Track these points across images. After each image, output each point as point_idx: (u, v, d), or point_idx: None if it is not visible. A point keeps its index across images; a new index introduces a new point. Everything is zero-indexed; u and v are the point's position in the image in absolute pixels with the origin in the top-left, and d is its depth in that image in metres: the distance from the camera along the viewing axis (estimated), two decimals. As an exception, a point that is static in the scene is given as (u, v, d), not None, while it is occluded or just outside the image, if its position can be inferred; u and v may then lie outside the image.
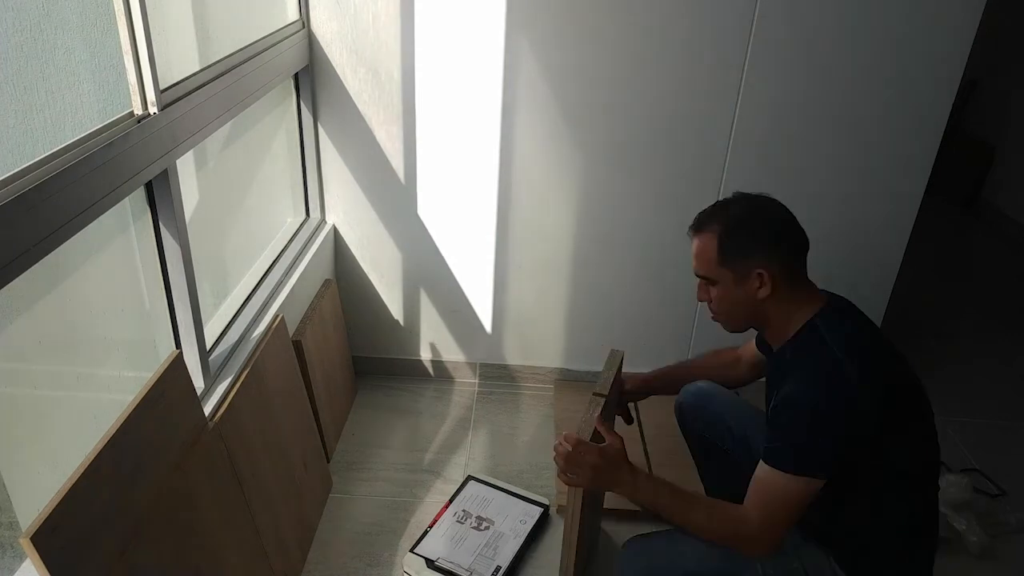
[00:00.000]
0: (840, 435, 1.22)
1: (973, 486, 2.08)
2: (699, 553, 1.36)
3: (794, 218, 1.33)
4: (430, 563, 1.82)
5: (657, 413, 2.39)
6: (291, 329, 1.97)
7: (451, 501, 2.01)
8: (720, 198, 2.22)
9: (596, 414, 1.42)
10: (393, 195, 2.29)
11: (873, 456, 1.27)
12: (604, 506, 1.96)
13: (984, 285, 3.53)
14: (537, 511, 1.99)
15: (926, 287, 3.31)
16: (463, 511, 1.98)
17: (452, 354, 2.54)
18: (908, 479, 1.33)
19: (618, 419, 1.76)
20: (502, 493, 2.05)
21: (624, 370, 2.57)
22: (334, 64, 2.12)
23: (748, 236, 1.30)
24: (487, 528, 1.93)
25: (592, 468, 1.32)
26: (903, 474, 1.32)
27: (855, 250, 2.32)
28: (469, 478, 2.10)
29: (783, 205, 1.34)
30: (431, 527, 1.93)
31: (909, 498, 1.34)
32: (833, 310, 1.32)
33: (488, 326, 2.48)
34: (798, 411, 1.24)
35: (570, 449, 1.32)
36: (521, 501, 2.02)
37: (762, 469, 1.27)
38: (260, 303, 1.90)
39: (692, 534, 1.31)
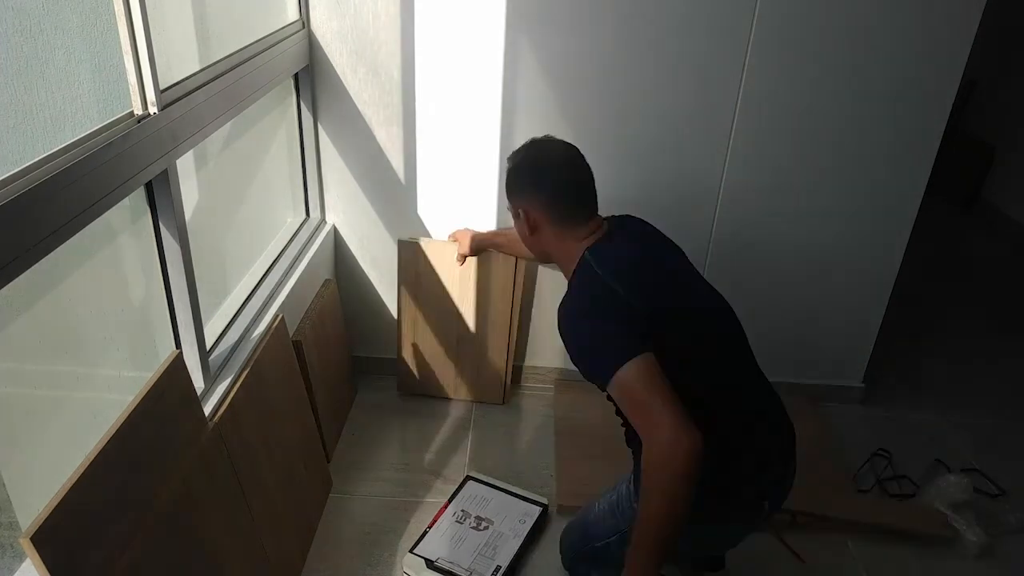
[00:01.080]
0: (619, 316, 1.28)
1: (973, 486, 2.08)
2: (593, 516, 1.52)
3: (568, 161, 1.48)
4: (430, 563, 1.82)
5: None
6: (291, 329, 1.97)
7: (450, 501, 2.01)
8: (720, 197, 2.24)
9: None
10: (393, 195, 2.29)
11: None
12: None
13: (984, 285, 3.53)
14: (536, 510, 1.99)
15: (926, 287, 3.31)
16: (462, 511, 1.98)
17: (452, 354, 2.54)
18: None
19: None
20: (501, 493, 2.05)
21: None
22: (334, 64, 2.12)
23: (514, 179, 1.50)
24: (486, 528, 1.94)
25: None
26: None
27: (855, 250, 2.32)
28: (468, 478, 2.10)
29: (566, 146, 1.50)
30: (430, 527, 1.93)
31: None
32: (605, 236, 1.43)
33: (488, 326, 2.48)
34: (575, 332, 1.32)
35: None
36: (520, 501, 2.02)
37: (610, 394, 1.25)
38: (260, 303, 1.90)
39: (676, 527, 1.19)
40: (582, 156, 1.49)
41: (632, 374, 1.20)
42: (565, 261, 1.47)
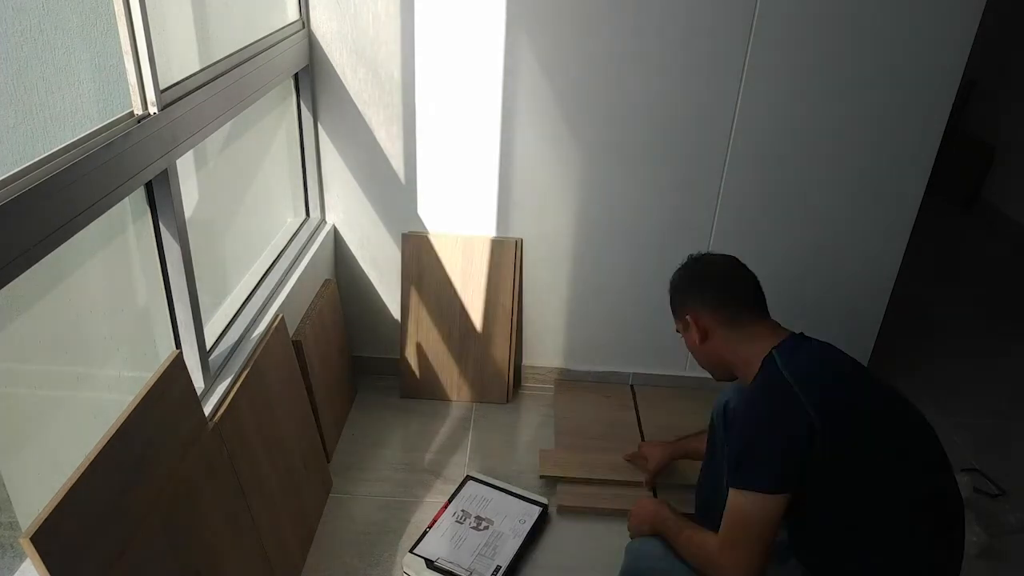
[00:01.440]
0: (783, 443, 1.22)
1: (973, 486, 2.08)
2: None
3: (730, 262, 1.49)
4: (430, 563, 1.82)
5: (658, 413, 2.40)
6: (291, 329, 1.97)
7: (450, 501, 2.01)
8: (720, 196, 2.24)
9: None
10: (393, 195, 2.29)
11: (833, 486, 1.24)
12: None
13: (984, 285, 3.53)
14: (536, 510, 1.99)
15: (926, 287, 3.31)
16: (462, 511, 1.98)
17: (452, 354, 2.54)
18: (881, 519, 1.25)
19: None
20: (501, 493, 2.05)
21: (623, 370, 2.58)
22: (334, 64, 2.12)
23: (677, 289, 1.52)
24: (486, 528, 1.94)
25: (635, 519, 1.59)
26: (876, 510, 1.25)
27: (855, 250, 2.32)
28: (468, 478, 2.10)
29: (730, 259, 1.50)
30: (430, 527, 1.93)
31: (881, 543, 1.24)
32: (791, 343, 1.36)
33: (488, 326, 2.48)
34: (738, 423, 1.32)
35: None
36: (520, 501, 2.02)
37: (728, 493, 1.27)
38: (260, 303, 1.90)
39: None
40: (742, 262, 1.48)
41: (744, 503, 1.24)
42: (743, 367, 1.39)
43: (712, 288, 1.45)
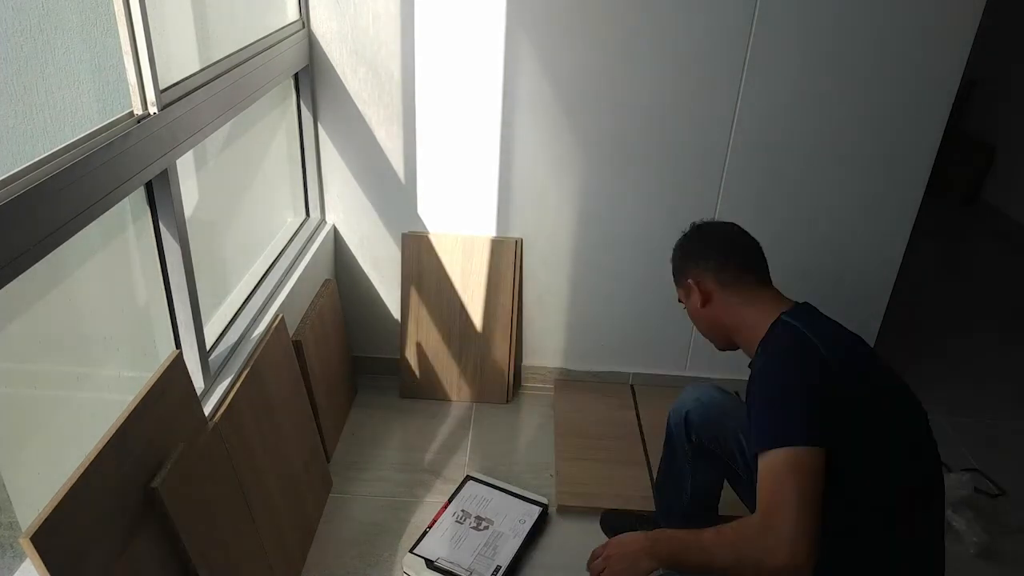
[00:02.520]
0: (812, 392, 1.15)
1: (973, 486, 2.08)
2: None
3: (733, 227, 1.48)
4: (430, 563, 1.82)
5: (657, 413, 2.40)
6: (291, 329, 1.97)
7: (450, 501, 2.01)
8: (720, 196, 2.24)
9: None
10: (393, 195, 2.29)
11: (848, 461, 1.15)
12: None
13: (984, 285, 3.53)
14: (536, 510, 1.99)
15: (926, 287, 3.31)
16: (462, 511, 1.98)
17: (452, 354, 2.54)
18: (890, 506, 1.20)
19: None
20: (501, 493, 2.05)
21: (624, 369, 2.58)
22: (334, 64, 2.12)
23: (680, 254, 1.49)
24: (486, 528, 1.94)
25: (618, 560, 1.25)
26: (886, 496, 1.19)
27: (855, 250, 2.32)
28: (468, 478, 2.10)
29: (732, 225, 1.49)
30: (430, 527, 1.93)
31: (889, 531, 1.19)
32: (802, 309, 1.33)
33: (488, 326, 2.48)
34: (763, 383, 1.22)
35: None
36: (520, 501, 2.02)
37: (758, 464, 1.15)
38: (260, 303, 1.90)
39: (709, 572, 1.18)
40: (744, 230, 1.48)
41: (780, 464, 1.10)
42: (746, 332, 1.35)
43: (715, 250, 1.43)
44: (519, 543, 1.89)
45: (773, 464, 1.12)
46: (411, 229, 2.34)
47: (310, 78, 2.13)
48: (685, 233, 1.53)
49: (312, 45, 2.10)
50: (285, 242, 2.18)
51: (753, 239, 1.46)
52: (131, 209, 1.44)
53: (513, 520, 1.96)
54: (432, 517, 1.96)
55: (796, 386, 1.17)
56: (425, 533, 1.91)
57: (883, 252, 2.32)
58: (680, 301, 1.52)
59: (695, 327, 1.51)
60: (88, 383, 1.46)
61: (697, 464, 1.70)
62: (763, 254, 1.44)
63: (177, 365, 1.37)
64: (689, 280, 1.43)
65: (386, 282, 2.44)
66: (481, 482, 2.08)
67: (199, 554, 1.33)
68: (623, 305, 2.42)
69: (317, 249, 2.21)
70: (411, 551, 1.85)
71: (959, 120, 4.04)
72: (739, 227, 1.49)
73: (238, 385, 1.60)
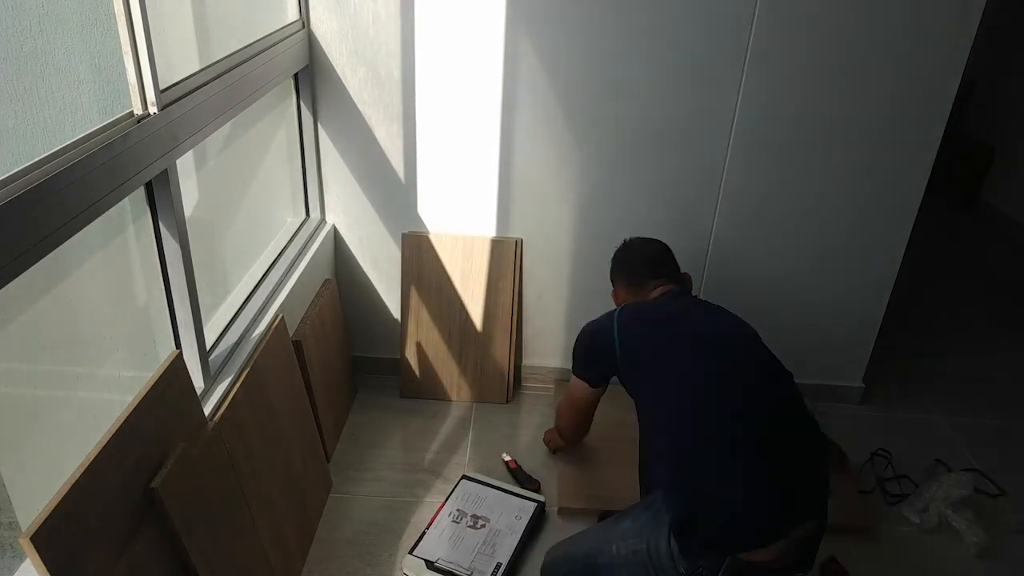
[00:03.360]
0: (597, 355, 1.72)
1: (973, 486, 2.08)
2: (576, 540, 1.67)
3: (640, 242, 1.92)
4: (430, 564, 1.82)
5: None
6: (291, 329, 1.97)
7: (446, 501, 2.01)
8: (720, 196, 2.24)
9: None
10: (393, 195, 2.29)
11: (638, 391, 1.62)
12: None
13: (984, 285, 3.53)
14: (532, 506, 1.99)
15: (926, 287, 3.31)
16: (458, 510, 1.98)
17: (452, 354, 2.54)
18: (669, 415, 1.54)
19: None
20: (496, 491, 2.05)
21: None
22: (334, 64, 2.12)
23: (611, 263, 1.95)
24: (483, 526, 1.94)
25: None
26: (662, 409, 1.56)
27: (856, 250, 2.32)
28: (463, 477, 2.10)
29: (643, 242, 1.92)
30: (428, 528, 1.93)
31: (672, 433, 1.52)
32: (654, 299, 1.76)
33: (488, 326, 2.48)
34: (582, 334, 1.79)
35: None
36: (515, 497, 2.03)
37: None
38: (260, 303, 1.90)
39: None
40: (658, 242, 1.91)
41: (573, 382, 1.84)
42: None
43: (622, 261, 1.92)
44: (517, 539, 1.89)
45: (572, 386, 1.85)
46: (411, 229, 2.34)
47: (310, 78, 2.13)
48: (618, 247, 1.95)
49: (312, 45, 2.10)
50: (285, 242, 2.18)
51: (656, 248, 1.89)
52: (131, 209, 1.44)
53: (510, 517, 1.97)
54: (429, 518, 1.96)
55: (592, 347, 1.76)
56: (423, 534, 1.91)
57: (883, 252, 2.32)
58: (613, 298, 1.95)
59: None
60: (88, 383, 1.46)
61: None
62: (663, 259, 1.87)
63: (177, 365, 1.37)
64: (614, 283, 1.92)
65: (386, 282, 2.44)
66: (475, 481, 2.08)
67: (199, 554, 1.33)
68: (623, 305, 2.42)
69: (317, 249, 2.21)
70: (410, 553, 1.85)
71: (959, 120, 4.04)
72: (649, 242, 1.91)
73: (238, 385, 1.60)
